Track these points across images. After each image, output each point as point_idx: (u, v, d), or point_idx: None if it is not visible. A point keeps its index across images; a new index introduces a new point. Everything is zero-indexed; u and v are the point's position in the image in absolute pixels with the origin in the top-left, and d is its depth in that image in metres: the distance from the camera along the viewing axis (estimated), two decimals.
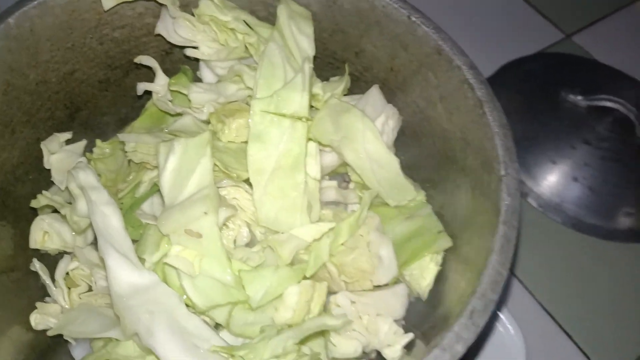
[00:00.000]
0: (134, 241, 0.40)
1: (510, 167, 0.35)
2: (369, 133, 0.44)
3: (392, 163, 0.45)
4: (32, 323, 0.41)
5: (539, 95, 0.81)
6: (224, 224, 0.41)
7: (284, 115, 0.41)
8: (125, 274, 0.36)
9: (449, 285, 0.39)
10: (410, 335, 0.38)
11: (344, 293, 0.39)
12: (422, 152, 0.48)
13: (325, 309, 0.40)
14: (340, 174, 0.50)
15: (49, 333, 0.39)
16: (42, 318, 0.41)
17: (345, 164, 0.47)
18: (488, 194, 0.36)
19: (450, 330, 0.29)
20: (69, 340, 0.42)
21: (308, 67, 0.42)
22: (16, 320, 0.41)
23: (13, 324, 0.40)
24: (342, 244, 0.41)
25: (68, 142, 0.48)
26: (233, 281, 0.37)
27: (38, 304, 0.42)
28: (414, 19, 0.42)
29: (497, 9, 0.94)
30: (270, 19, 0.47)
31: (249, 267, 0.39)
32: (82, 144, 0.48)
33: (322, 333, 0.38)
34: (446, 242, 0.42)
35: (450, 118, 0.42)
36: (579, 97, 0.78)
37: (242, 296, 0.38)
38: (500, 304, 0.47)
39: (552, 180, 0.72)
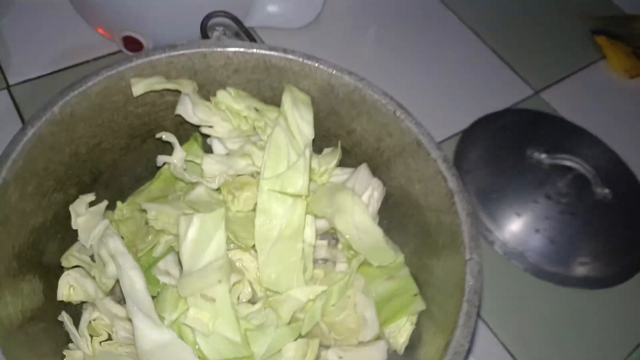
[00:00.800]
0: (152, 297, 0.47)
1: (474, 252, 0.43)
2: (357, 207, 0.51)
3: (376, 232, 0.53)
4: None
5: (508, 150, 0.89)
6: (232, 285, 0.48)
7: (287, 194, 0.48)
8: (149, 332, 0.43)
9: (422, 342, 0.47)
10: None
11: (333, 349, 0.46)
12: (402, 221, 0.55)
13: None
14: (329, 234, 0.57)
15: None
16: None
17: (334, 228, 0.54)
18: (455, 272, 0.44)
19: None
20: None
21: (308, 152, 0.49)
22: None
23: None
24: (332, 305, 0.49)
25: (91, 203, 0.54)
26: (241, 339, 0.44)
27: (65, 352, 0.48)
28: (398, 114, 0.50)
29: (476, 65, 1.01)
30: (275, 100, 0.55)
31: (253, 326, 0.46)
32: (104, 205, 0.54)
33: None
34: (420, 305, 0.49)
35: (426, 199, 0.50)
36: (543, 155, 0.86)
37: (248, 352, 0.44)
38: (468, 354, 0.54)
39: (516, 230, 0.79)
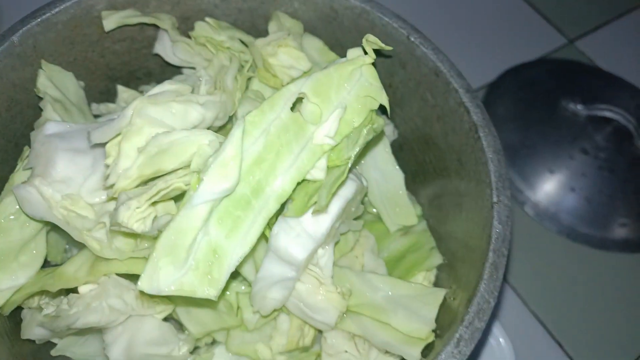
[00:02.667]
0: None
1: (502, 194, 0.36)
2: (380, 144, 0.44)
3: (397, 177, 0.46)
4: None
5: (540, 103, 0.81)
6: None
7: None
8: None
9: (444, 301, 0.40)
10: (399, 358, 0.38)
11: None
12: (419, 169, 0.48)
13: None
14: None
15: (53, 353, 0.40)
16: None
17: None
18: (480, 219, 0.37)
19: (437, 358, 0.30)
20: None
21: None
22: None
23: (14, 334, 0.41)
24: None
25: None
26: (224, 306, 0.38)
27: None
28: (412, 39, 0.43)
29: (501, 13, 0.93)
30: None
31: (246, 289, 0.39)
32: None
33: (312, 355, 0.39)
34: (437, 259, 0.43)
35: (446, 138, 0.43)
36: (579, 106, 0.78)
37: (234, 322, 0.39)
38: (491, 321, 0.48)
39: (549, 189, 0.72)
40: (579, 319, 0.63)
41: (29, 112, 0.44)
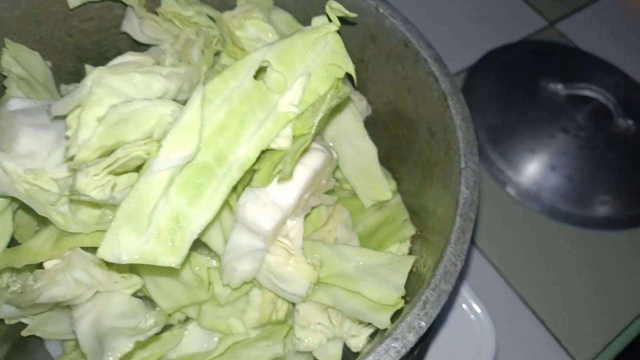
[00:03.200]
0: None
1: (470, 160, 0.36)
2: (349, 113, 0.44)
3: (370, 150, 0.45)
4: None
5: (520, 83, 0.81)
6: None
7: None
8: None
9: (413, 271, 0.40)
10: (373, 328, 0.38)
11: None
12: (392, 144, 0.48)
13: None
14: None
15: (23, 333, 0.40)
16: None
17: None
18: (449, 186, 0.37)
19: (403, 320, 0.30)
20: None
21: None
22: None
23: None
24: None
25: None
26: (195, 281, 0.38)
27: None
28: (381, 10, 0.43)
29: None
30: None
31: (217, 264, 0.39)
32: None
33: (285, 328, 0.39)
34: (410, 230, 0.43)
35: (417, 110, 0.43)
36: (559, 86, 0.78)
37: (205, 296, 0.38)
38: (458, 286, 0.48)
39: (531, 169, 0.72)
40: (562, 296, 0.63)
41: None
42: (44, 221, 0.39)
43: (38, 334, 0.41)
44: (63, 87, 0.48)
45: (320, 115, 0.33)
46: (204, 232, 0.32)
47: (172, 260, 0.30)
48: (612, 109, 0.76)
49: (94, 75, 0.32)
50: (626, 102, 0.77)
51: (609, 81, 0.81)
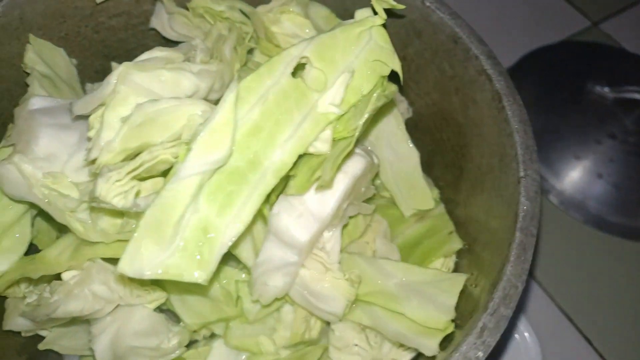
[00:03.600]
0: None
1: (530, 167, 0.32)
2: (390, 115, 0.41)
3: (412, 156, 0.42)
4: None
5: (563, 86, 0.77)
6: None
7: None
8: None
9: (464, 289, 0.36)
10: (415, 352, 0.35)
11: None
12: (435, 149, 0.45)
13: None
14: None
15: (40, 347, 0.38)
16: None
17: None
18: (505, 196, 0.33)
19: (457, 350, 0.26)
20: None
21: None
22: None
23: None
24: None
25: None
26: (222, 295, 0.35)
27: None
28: (428, 4, 0.39)
29: None
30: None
31: (246, 277, 0.36)
32: None
33: (319, 349, 0.36)
34: (456, 243, 0.39)
35: (466, 112, 0.39)
36: (606, 89, 0.74)
37: (233, 312, 0.35)
38: (517, 313, 0.44)
39: (575, 176, 0.68)
40: (609, 314, 0.60)
41: (17, 90, 0.42)
42: (62, 229, 0.37)
43: (55, 349, 0.38)
44: (88, 85, 0.46)
45: (365, 116, 0.30)
46: (234, 244, 0.29)
47: (199, 276, 0.27)
48: None
49: (119, 71, 0.30)
50: None
51: None
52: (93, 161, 0.29)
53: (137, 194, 0.28)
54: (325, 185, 0.30)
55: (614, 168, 0.68)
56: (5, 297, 0.37)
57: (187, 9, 0.43)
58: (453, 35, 0.38)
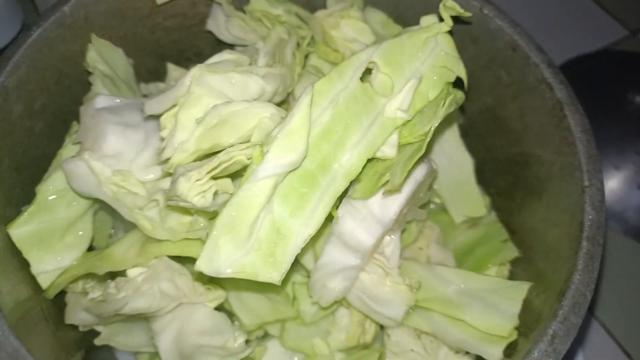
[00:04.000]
0: None
1: (594, 177, 0.32)
2: (445, 123, 0.41)
3: (466, 163, 0.42)
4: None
5: (602, 96, 0.76)
6: None
7: None
8: None
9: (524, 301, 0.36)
10: (472, 357, 0.35)
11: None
12: (487, 155, 0.44)
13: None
14: None
15: (96, 342, 0.38)
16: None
17: None
18: (567, 205, 0.33)
19: (528, 356, 0.26)
20: None
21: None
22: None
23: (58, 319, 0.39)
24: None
25: None
26: (280, 295, 0.35)
27: None
28: (486, 11, 0.39)
29: (557, 2, 0.89)
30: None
31: (303, 279, 0.36)
32: None
33: (375, 353, 0.36)
34: (512, 251, 0.39)
35: (522, 119, 0.39)
36: None
37: (291, 313, 0.36)
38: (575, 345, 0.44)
39: (614, 186, 0.68)
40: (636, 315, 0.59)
41: (77, 87, 0.43)
42: (125, 226, 0.37)
43: (111, 344, 0.39)
44: (143, 86, 0.47)
45: (437, 122, 0.30)
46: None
47: (273, 276, 0.28)
48: None
49: (194, 72, 0.30)
50: None
51: None
52: (166, 160, 0.30)
53: (216, 193, 0.29)
54: (394, 189, 0.30)
55: None
56: (65, 292, 0.38)
57: (244, 12, 0.44)
58: (512, 43, 0.38)
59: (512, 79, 0.39)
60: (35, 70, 0.38)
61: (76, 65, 0.42)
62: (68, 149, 0.37)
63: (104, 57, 0.42)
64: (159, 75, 0.49)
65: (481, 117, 0.44)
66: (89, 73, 0.41)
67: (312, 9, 0.45)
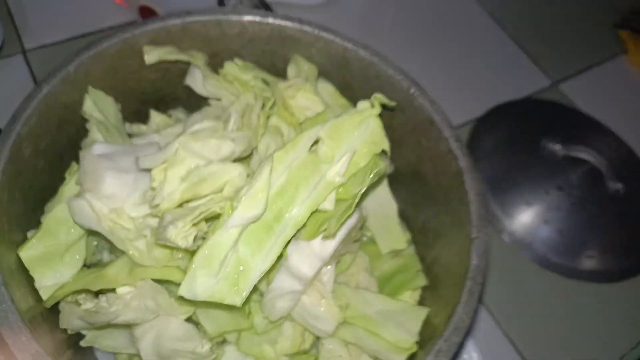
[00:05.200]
0: None
1: (480, 231, 0.42)
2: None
3: (391, 207, 0.52)
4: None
5: (522, 139, 0.87)
6: None
7: None
8: None
9: (427, 317, 0.46)
10: None
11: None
12: (411, 200, 0.55)
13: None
14: None
15: (82, 344, 0.46)
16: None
17: None
18: (460, 250, 0.43)
19: None
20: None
21: None
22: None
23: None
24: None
25: None
26: (239, 310, 0.44)
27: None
28: (412, 91, 0.50)
29: (494, 52, 0.99)
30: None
31: (257, 298, 0.46)
32: None
33: (311, 357, 0.46)
34: (422, 280, 0.49)
35: (436, 178, 0.50)
36: (557, 146, 0.85)
37: (247, 324, 0.45)
38: (466, 337, 0.54)
39: (525, 220, 0.78)
40: (548, 340, 0.68)
41: (72, 129, 0.50)
42: (113, 251, 0.46)
43: (95, 346, 0.47)
44: (127, 125, 0.55)
45: (363, 189, 0.40)
46: None
47: (236, 300, 0.37)
48: (604, 172, 0.82)
49: (181, 140, 0.39)
50: (618, 165, 0.83)
51: (604, 145, 0.87)
52: (156, 205, 0.39)
53: (196, 236, 0.38)
54: (329, 236, 0.40)
55: (559, 216, 0.78)
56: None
57: (218, 73, 0.53)
58: (429, 118, 0.49)
59: (429, 145, 0.50)
60: (42, 119, 0.46)
61: (73, 112, 0.49)
62: (69, 186, 0.45)
63: (98, 105, 0.50)
64: (140, 115, 0.57)
65: (406, 169, 0.54)
66: (84, 120, 0.49)
67: (275, 71, 0.55)
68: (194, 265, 0.36)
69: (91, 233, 0.47)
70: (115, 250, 0.45)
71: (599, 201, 0.81)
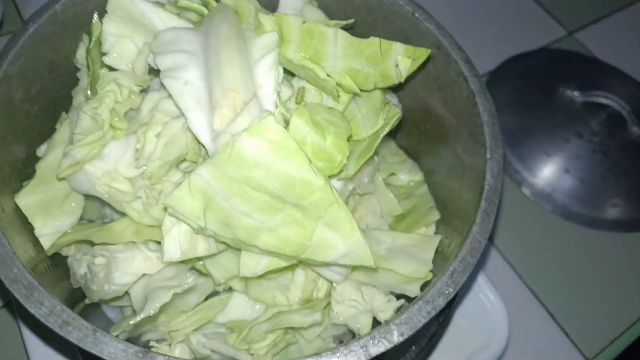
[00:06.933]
0: None
1: (495, 152, 0.40)
2: None
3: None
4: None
5: (537, 89, 0.84)
6: None
7: None
8: None
9: (439, 251, 0.44)
10: (401, 301, 0.43)
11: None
12: (421, 138, 0.52)
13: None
14: None
15: (87, 301, 0.44)
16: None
17: None
18: (474, 175, 0.41)
19: (433, 287, 0.34)
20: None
21: None
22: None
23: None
24: None
25: None
26: None
27: None
28: (417, 15, 0.47)
29: (504, 4, 0.96)
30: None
31: None
32: None
33: (324, 301, 0.43)
34: (435, 215, 0.47)
35: (446, 106, 0.47)
36: (576, 93, 0.81)
37: None
38: (478, 268, 0.52)
39: (545, 171, 0.75)
40: (572, 292, 0.66)
41: (66, 76, 0.49)
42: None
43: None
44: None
45: (382, 133, 0.39)
46: None
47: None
48: (627, 116, 0.79)
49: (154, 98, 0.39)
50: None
51: (624, 90, 0.84)
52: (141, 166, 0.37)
53: None
54: (347, 177, 0.38)
55: (580, 164, 0.75)
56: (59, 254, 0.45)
57: None
58: (437, 43, 0.46)
59: (438, 73, 0.47)
60: (32, 60, 0.44)
61: (66, 57, 0.48)
62: (60, 133, 0.44)
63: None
64: None
65: (415, 106, 0.52)
66: (77, 69, 0.48)
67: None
68: None
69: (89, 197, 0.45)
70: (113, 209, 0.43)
71: (621, 147, 0.78)
